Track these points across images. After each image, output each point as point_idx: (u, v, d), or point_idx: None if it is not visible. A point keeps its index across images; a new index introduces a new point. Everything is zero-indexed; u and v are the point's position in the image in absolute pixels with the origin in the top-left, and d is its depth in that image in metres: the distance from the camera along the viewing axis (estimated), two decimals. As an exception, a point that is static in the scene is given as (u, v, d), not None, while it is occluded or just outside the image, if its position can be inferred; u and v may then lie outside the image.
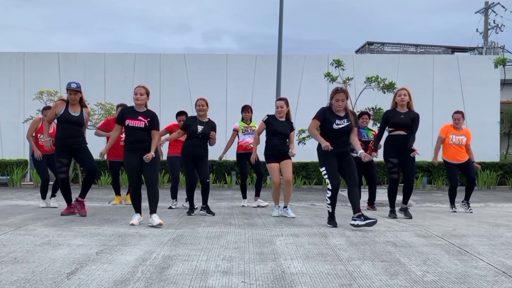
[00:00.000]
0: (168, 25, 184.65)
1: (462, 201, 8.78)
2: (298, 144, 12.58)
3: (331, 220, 6.49)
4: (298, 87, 20.25)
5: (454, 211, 8.58)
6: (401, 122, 7.30)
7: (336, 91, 6.40)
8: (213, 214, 7.60)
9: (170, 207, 8.56)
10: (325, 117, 6.38)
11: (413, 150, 7.33)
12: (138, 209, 6.54)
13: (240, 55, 22.29)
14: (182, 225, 6.42)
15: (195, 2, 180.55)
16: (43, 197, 8.83)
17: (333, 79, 14.03)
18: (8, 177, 16.09)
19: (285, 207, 7.50)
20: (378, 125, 8.69)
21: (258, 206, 8.99)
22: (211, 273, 3.89)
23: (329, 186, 6.37)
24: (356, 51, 29.96)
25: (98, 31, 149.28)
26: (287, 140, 7.56)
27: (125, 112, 6.57)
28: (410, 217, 7.37)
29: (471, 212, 8.53)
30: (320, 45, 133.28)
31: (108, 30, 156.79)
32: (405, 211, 7.57)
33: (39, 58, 20.94)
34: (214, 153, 8.89)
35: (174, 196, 8.78)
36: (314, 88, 19.68)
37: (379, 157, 8.54)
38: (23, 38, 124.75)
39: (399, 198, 7.72)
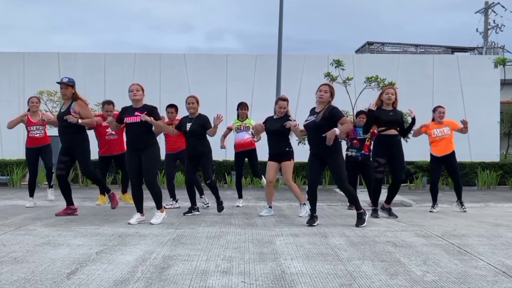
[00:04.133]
0: (170, 25, 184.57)
1: (456, 201, 8.74)
2: (298, 145, 12.57)
3: (310, 219, 6.47)
4: (298, 87, 20.24)
5: (431, 211, 8.46)
6: (391, 119, 7.16)
7: (320, 85, 6.63)
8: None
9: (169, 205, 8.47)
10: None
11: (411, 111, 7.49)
12: (138, 208, 6.56)
13: (240, 55, 22.30)
14: (182, 225, 6.42)
15: (198, 2, 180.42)
16: (30, 194, 8.71)
17: (333, 79, 14.01)
18: (8, 177, 16.08)
19: (302, 204, 7.56)
20: None
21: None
22: (211, 273, 3.90)
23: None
24: (356, 51, 29.97)
25: (99, 31, 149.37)
26: (287, 138, 7.48)
27: (124, 111, 6.65)
28: (396, 216, 7.29)
29: (465, 211, 8.46)
30: (320, 45, 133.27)
31: (109, 30, 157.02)
32: (389, 211, 7.42)
33: (39, 58, 20.94)
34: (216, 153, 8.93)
35: (171, 195, 8.71)
36: (314, 88, 19.39)
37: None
38: (23, 38, 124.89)
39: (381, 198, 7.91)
